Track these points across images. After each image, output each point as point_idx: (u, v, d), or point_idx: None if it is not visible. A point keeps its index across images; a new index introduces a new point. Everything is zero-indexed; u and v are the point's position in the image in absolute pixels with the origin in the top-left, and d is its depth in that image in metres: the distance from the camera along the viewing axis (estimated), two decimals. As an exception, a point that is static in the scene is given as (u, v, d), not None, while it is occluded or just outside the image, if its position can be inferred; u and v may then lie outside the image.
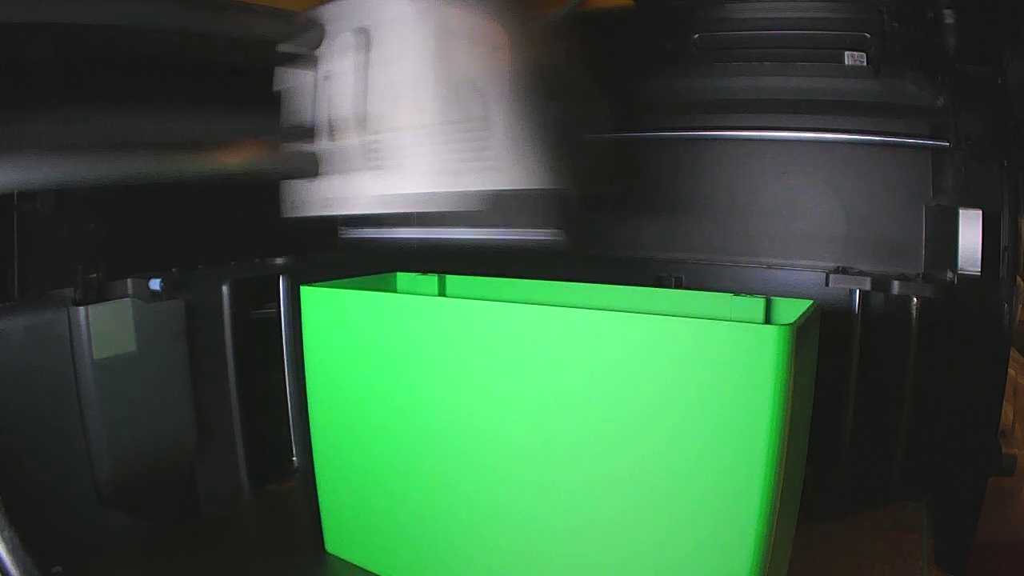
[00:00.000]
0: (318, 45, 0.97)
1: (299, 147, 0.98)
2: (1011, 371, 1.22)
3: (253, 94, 1.01)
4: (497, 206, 0.93)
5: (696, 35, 1.28)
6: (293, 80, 1.00)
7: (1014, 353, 1.28)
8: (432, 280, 1.07)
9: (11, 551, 0.64)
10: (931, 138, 1.14)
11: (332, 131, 0.95)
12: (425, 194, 0.90)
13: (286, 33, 0.96)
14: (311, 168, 0.97)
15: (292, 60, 0.99)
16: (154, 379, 0.97)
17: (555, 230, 1.01)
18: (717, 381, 0.67)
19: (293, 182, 1.01)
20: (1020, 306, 1.19)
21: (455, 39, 0.92)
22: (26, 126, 0.71)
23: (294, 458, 1.19)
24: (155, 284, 0.96)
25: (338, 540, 0.96)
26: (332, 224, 1.19)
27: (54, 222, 0.92)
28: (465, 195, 0.91)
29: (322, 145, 0.97)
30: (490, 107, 1.01)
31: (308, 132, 0.97)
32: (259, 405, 1.14)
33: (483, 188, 0.95)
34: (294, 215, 1.01)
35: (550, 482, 0.77)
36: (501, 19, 1.01)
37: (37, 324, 0.86)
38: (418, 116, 0.89)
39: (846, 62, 1.19)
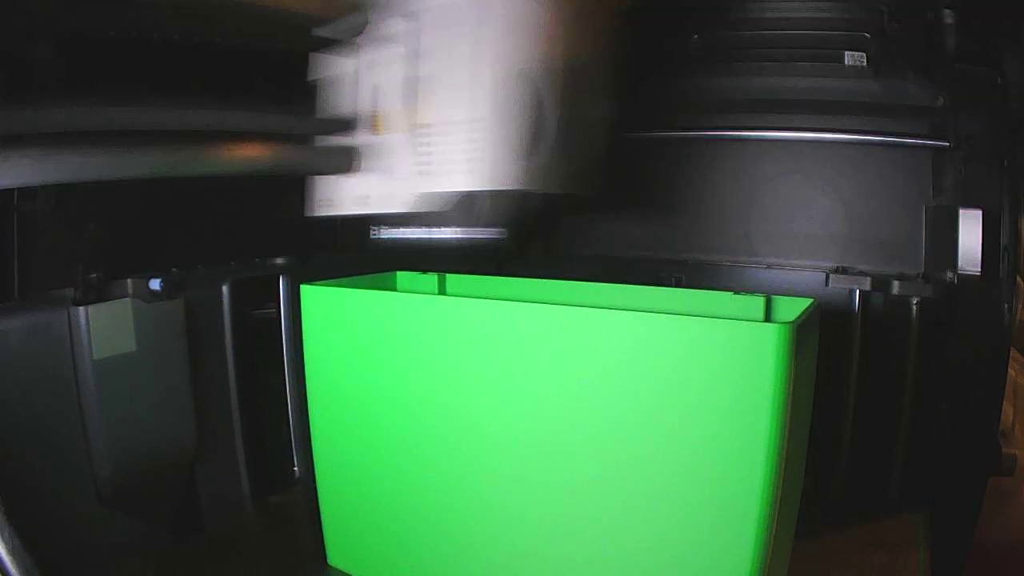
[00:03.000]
0: (362, 31, 0.90)
1: (335, 141, 0.92)
2: (1011, 371, 1.22)
3: (285, 83, 0.95)
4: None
5: (696, 35, 1.28)
6: (331, 69, 0.94)
7: (1014, 353, 1.28)
8: (432, 279, 1.07)
9: (11, 551, 0.64)
10: (931, 138, 1.14)
11: (374, 124, 0.89)
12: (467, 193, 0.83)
13: (325, 17, 0.89)
14: (348, 163, 0.90)
15: (331, 46, 0.91)
16: (154, 379, 0.97)
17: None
18: (717, 379, 0.67)
19: (324, 178, 0.94)
20: (1020, 306, 1.19)
21: (511, 28, 0.85)
22: (42, 118, 0.67)
23: (295, 467, 1.19)
24: (155, 284, 0.96)
25: (340, 552, 0.96)
26: (331, 224, 1.17)
27: (54, 222, 0.92)
28: (511, 195, 0.84)
29: (360, 139, 0.91)
30: (545, 103, 0.91)
31: (346, 124, 0.91)
32: (260, 407, 1.14)
33: (527, 189, 0.88)
34: (325, 213, 0.95)
35: (552, 482, 0.77)
36: (560, 9, 0.92)
37: (37, 324, 0.86)
38: (470, 110, 0.82)
39: (846, 62, 1.19)
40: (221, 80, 0.96)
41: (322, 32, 0.91)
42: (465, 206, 0.85)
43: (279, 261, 1.18)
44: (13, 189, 0.88)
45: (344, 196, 0.93)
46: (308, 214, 0.97)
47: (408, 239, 0.92)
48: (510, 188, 0.86)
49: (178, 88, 0.93)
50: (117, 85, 0.88)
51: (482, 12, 0.82)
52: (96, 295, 0.91)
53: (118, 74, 0.89)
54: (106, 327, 0.91)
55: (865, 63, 1.18)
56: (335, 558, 0.96)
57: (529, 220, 0.94)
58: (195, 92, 0.89)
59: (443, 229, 0.89)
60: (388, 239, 0.94)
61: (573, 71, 0.92)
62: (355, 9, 0.89)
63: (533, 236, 1.33)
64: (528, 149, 0.87)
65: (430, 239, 0.91)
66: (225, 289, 1.08)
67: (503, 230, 0.91)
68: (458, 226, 0.88)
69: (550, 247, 1.44)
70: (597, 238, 1.40)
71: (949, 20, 1.09)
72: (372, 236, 0.96)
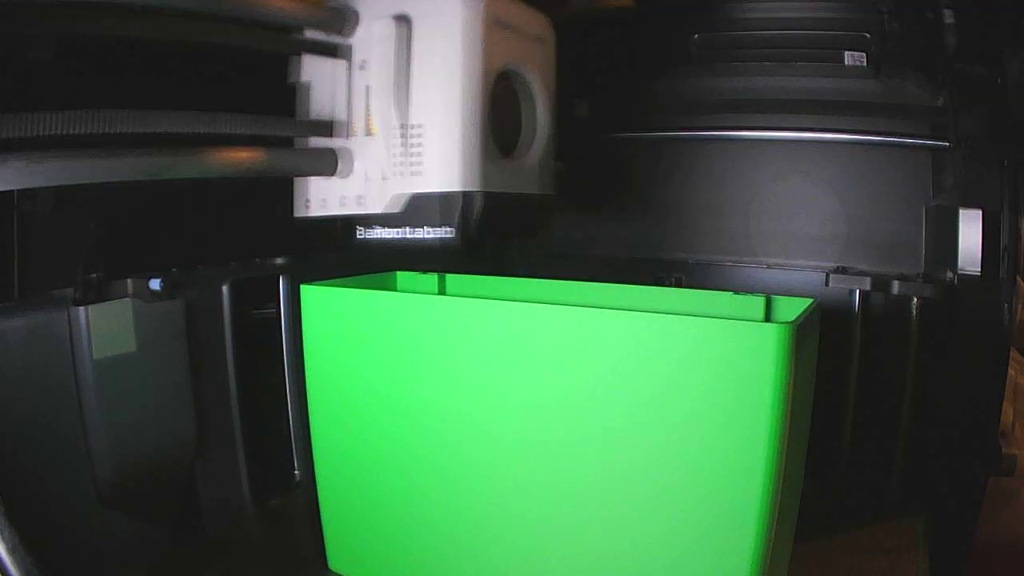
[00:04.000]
0: (351, 32, 0.91)
1: (317, 142, 0.93)
2: (1011, 371, 1.22)
3: (268, 85, 0.96)
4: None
5: (696, 35, 1.28)
6: (310, 72, 0.95)
7: (1014, 353, 1.28)
8: (432, 279, 1.07)
9: (11, 551, 0.64)
10: (931, 138, 1.14)
11: (360, 125, 0.90)
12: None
13: (313, 18, 0.90)
14: (328, 165, 0.92)
15: (318, 48, 0.92)
16: (154, 379, 0.97)
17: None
18: (718, 379, 0.67)
19: (309, 180, 0.96)
20: (1020, 306, 1.19)
21: (501, 29, 0.88)
22: (26, 125, 0.69)
23: (296, 471, 1.19)
24: (155, 284, 0.95)
25: (341, 556, 0.96)
26: (332, 224, 1.17)
27: (54, 222, 0.92)
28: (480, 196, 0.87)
29: (340, 141, 0.93)
30: (533, 103, 0.97)
31: (326, 127, 0.92)
32: (260, 408, 1.14)
33: (511, 191, 0.92)
34: (311, 215, 0.96)
35: (552, 482, 0.77)
36: (546, 9, 0.97)
37: (37, 324, 0.86)
38: (457, 111, 0.85)
39: (846, 62, 1.19)
40: (204, 83, 0.97)
41: (311, 34, 0.92)
42: (443, 206, 0.86)
43: (279, 261, 1.18)
44: (12, 190, 0.88)
45: (328, 197, 0.94)
46: (294, 215, 0.98)
47: (386, 239, 0.93)
48: (482, 190, 0.87)
49: (162, 91, 0.92)
50: (102, 88, 0.87)
51: (470, 12, 0.84)
52: (96, 295, 0.91)
53: (103, 77, 0.89)
54: (106, 327, 0.91)
55: (865, 63, 1.18)
56: (335, 562, 0.96)
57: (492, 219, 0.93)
58: (179, 95, 0.88)
59: (424, 229, 0.90)
60: (372, 240, 0.94)
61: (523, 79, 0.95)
62: (344, 10, 0.90)
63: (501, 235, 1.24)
64: (489, 151, 0.89)
65: (405, 239, 0.91)
66: (225, 289, 1.08)
67: (451, 229, 0.90)
68: (434, 226, 0.89)
69: (550, 247, 1.44)
70: (599, 238, 1.41)
71: (949, 20, 1.09)
72: (358, 237, 0.96)
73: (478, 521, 0.83)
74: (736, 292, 0.87)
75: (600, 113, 1.37)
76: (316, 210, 0.96)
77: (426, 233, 0.89)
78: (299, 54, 0.96)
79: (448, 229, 0.89)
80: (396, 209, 0.89)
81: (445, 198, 0.87)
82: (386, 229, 0.92)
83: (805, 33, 1.22)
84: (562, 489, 0.77)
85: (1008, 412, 1.39)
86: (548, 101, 0.99)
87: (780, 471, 0.67)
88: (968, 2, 1.07)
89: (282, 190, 1.26)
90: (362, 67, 0.90)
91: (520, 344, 0.77)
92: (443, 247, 0.90)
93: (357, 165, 0.92)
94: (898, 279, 1.14)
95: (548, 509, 0.78)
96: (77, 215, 0.93)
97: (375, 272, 1.07)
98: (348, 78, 0.91)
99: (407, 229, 0.91)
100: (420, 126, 0.87)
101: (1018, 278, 1.14)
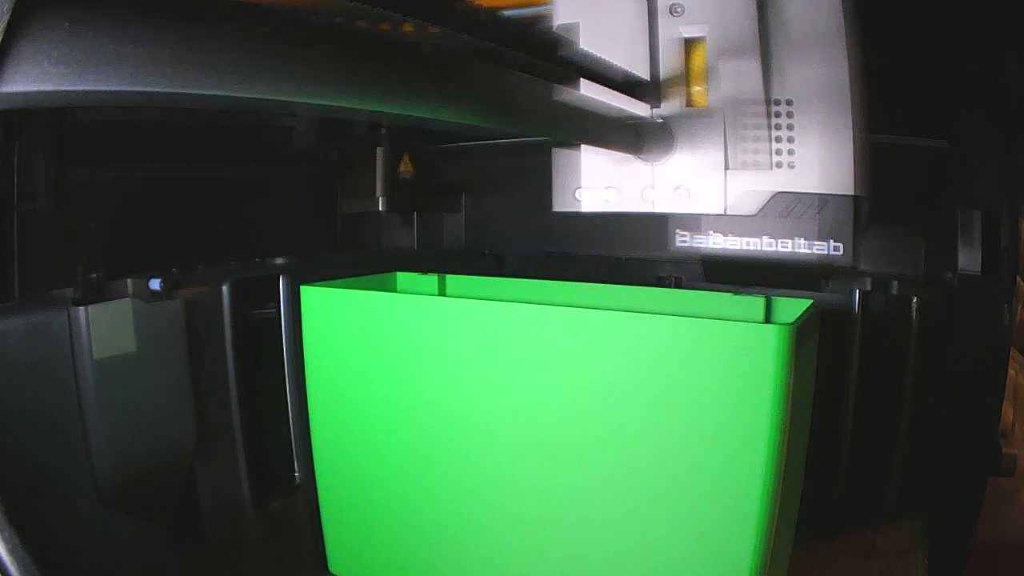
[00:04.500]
0: None
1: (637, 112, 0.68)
2: (1011, 371, 1.21)
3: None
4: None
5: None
6: (586, 8, 0.71)
7: (1014, 353, 1.28)
8: (432, 280, 1.07)
9: (11, 551, 0.64)
10: (931, 138, 1.14)
11: (678, 93, 0.64)
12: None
13: None
14: (632, 141, 0.66)
15: None
16: (154, 379, 0.97)
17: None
18: (718, 380, 0.67)
19: (579, 162, 0.72)
20: (1020, 306, 1.19)
21: None
22: None
23: (296, 473, 1.19)
24: (155, 284, 0.96)
25: (341, 558, 0.96)
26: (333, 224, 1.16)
27: (54, 222, 0.92)
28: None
29: (642, 109, 0.67)
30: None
31: (652, 92, 0.67)
32: (260, 408, 1.14)
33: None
34: (579, 210, 0.71)
35: (552, 483, 0.77)
36: None
37: (37, 324, 0.86)
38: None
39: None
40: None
41: None
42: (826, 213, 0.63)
43: (279, 261, 1.18)
44: (14, 186, 0.89)
45: (619, 186, 0.72)
46: (559, 209, 0.75)
47: (730, 252, 0.68)
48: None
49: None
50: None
51: None
52: (96, 295, 0.91)
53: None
54: (106, 327, 0.91)
55: (865, 63, 1.18)
56: (336, 565, 0.96)
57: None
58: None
59: (797, 241, 0.66)
60: (704, 250, 0.66)
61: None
62: None
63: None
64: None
65: (761, 253, 0.65)
66: (225, 289, 1.08)
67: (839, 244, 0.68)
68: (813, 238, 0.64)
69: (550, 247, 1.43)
70: (601, 238, 1.40)
71: (949, 19, 1.08)
72: (680, 243, 0.72)
73: (478, 522, 0.83)
74: (736, 292, 0.87)
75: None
76: (593, 204, 0.73)
77: (800, 247, 0.66)
78: None
79: (836, 245, 0.66)
80: (748, 211, 0.68)
81: (828, 202, 0.65)
82: (731, 237, 0.70)
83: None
84: (562, 490, 0.77)
85: (1008, 412, 1.39)
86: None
87: (780, 471, 0.67)
88: (968, 2, 1.07)
89: (282, 189, 1.27)
90: (675, 12, 0.66)
91: (520, 345, 0.77)
92: (824, 268, 0.64)
93: (676, 146, 0.68)
94: (898, 279, 1.14)
95: (548, 510, 0.78)
96: (77, 215, 0.93)
97: (375, 273, 1.07)
98: (650, 24, 0.67)
99: (765, 240, 0.68)
100: (790, 104, 0.65)
101: (1018, 278, 1.14)
